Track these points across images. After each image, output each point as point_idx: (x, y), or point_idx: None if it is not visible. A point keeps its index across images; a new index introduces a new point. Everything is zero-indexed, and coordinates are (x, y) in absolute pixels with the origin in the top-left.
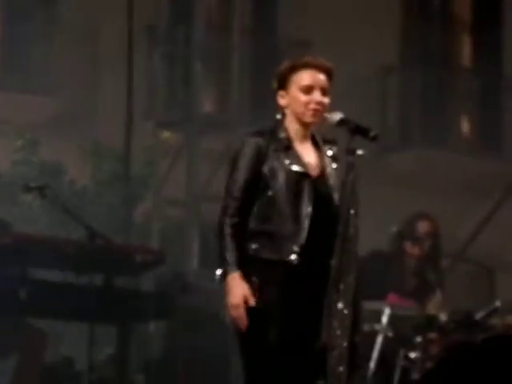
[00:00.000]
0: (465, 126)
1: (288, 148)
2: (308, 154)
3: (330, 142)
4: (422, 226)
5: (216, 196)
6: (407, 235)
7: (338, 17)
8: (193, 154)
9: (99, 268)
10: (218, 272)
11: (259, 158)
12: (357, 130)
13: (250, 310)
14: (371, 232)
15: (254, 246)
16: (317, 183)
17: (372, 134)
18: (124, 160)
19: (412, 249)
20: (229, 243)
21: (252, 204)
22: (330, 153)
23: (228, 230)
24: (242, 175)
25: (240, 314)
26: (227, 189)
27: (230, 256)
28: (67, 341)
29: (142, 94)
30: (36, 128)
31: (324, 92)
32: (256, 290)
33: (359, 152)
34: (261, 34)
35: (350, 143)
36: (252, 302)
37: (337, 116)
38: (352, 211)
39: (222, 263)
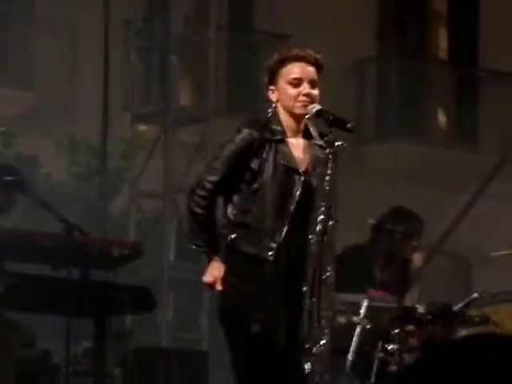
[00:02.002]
0: (441, 119)
1: (280, 141)
2: (299, 148)
3: (327, 135)
4: (401, 221)
5: None
6: (385, 229)
7: (314, 10)
8: (169, 146)
9: (76, 261)
10: (193, 247)
11: (249, 148)
12: (334, 122)
13: (231, 306)
14: (347, 224)
15: (232, 236)
16: (305, 179)
17: (349, 125)
18: (100, 153)
19: (391, 243)
20: (203, 225)
21: (227, 189)
22: (324, 144)
23: (200, 211)
24: (220, 162)
25: (215, 287)
26: (207, 164)
27: (205, 238)
28: (44, 334)
29: (118, 87)
30: (11, 121)
31: (313, 84)
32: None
33: (338, 143)
34: (237, 28)
35: (327, 134)
36: (219, 286)
37: (314, 108)
38: (330, 203)
39: (196, 242)
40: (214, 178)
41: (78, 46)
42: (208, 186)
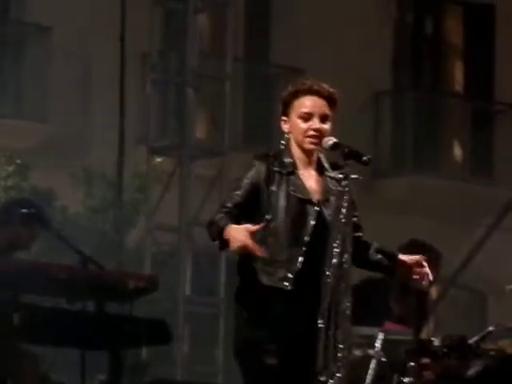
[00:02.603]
0: (456, 152)
1: (291, 173)
2: (311, 179)
3: (340, 167)
4: (417, 253)
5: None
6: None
7: (330, 43)
8: (185, 179)
9: (91, 294)
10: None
11: (260, 180)
12: (349, 154)
13: (247, 340)
14: None
15: (250, 271)
16: (319, 209)
17: (365, 158)
18: (116, 186)
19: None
20: (219, 220)
21: (244, 216)
22: (340, 176)
23: (217, 217)
24: (238, 193)
25: (247, 245)
26: (221, 202)
27: (220, 220)
28: (59, 367)
29: (134, 120)
30: (27, 154)
31: (324, 119)
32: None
33: (353, 176)
34: (253, 62)
35: (342, 167)
36: (253, 228)
37: (329, 140)
38: (346, 237)
39: (216, 232)
40: (233, 201)
41: (94, 79)
42: (228, 207)
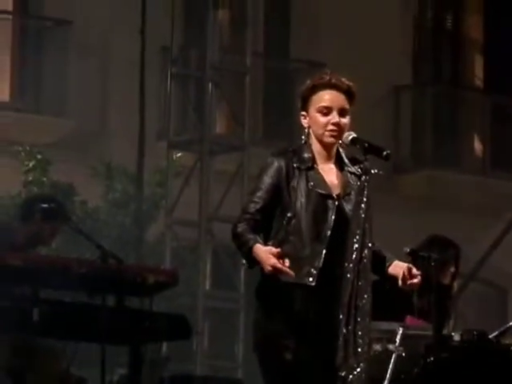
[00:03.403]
0: (477, 146)
1: (311, 168)
2: (331, 173)
3: (360, 162)
4: (438, 248)
5: (228, 216)
6: (421, 257)
7: (350, 38)
8: (205, 175)
9: (111, 288)
10: (243, 262)
11: (280, 178)
12: (369, 149)
13: (266, 334)
14: None
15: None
16: (339, 204)
17: (385, 152)
18: (136, 180)
19: (427, 270)
20: (244, 234)
21: (267, 225)
22: (358, 170)
23: (241, 229)
24: (260, 195)
25: (279, 269)
26: (243, 206)
27: (247, 239)
28: (79, 362)
29: (154, 114)
30: (47, 148)
31: (343, 112)
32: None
33: (374, 171)
34: (273, 56)
35: (363, 162)
36: (275, 251)
37: (349, 135)
38: (366, 231)
39: (245, 251)
40: (256, 206)
41: (114, 73)
42: (250, 213)
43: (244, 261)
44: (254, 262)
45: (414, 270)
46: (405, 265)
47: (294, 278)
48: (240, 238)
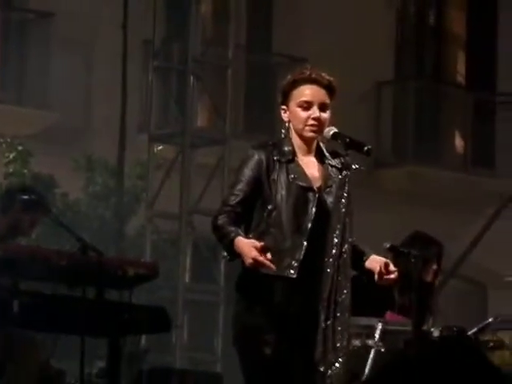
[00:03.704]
0: (458, 142)
1: (291, 161)
2: (311, 166)
3: (341, 156)
4: (420, 245)
5: (209, 209)
6: (403, 253)
7: (333, 33)
8: (186, 167)
9: (91, 281)
10: (224, 254)
11: (260, 171)
12: (350, 144)
13: (246, 328)
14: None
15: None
16: (319, 196)
17: (366, 148)
18: (117, 173)
19: (409, 267)
20: (225, 226)
21: (247, 218)
22: (339, 165)
23: (221, 221)
24: (240, 187)
25: (260, 262)
26: (223, 199)
27: (228, 231)
28: (59, 354)
29: (136, 107)
30: (28, 140)
31: (323, 107)
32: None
33: (355, 166)
34: (255, 50)
35: (343, 157)
36: (259, 244)
37: (330, 130)
38: (346, 226)
39: (226, 243)
40: (236, 199)
41: (96, 66)
42: (231, 205)
43: (225, 253)
44: (234, 254)
45: (391, 266)
46: (382, 259)
47: (275, 270)
48: (221, 230)
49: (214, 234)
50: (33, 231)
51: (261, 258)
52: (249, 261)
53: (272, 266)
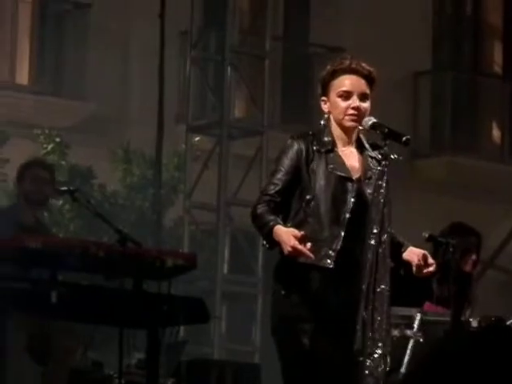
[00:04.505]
0: (495, 133)
1: (330, 151)
2: (351, 157)
3: (380, 147)
4: (459, 235)
5: (246, 200)
6: (442, 243)
7: (370, 23)
8: (223, 159)
9: (130, 272)
10: (263, 243)
11: (299, 160)
12: (389, 135)
13: (284, 317)
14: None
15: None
16: (358, 187)
17: (404, 138)
18: (155, 164)
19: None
20: (264, 215)
21: (287, 207)
22: (380, 156)
23: (260, 210)
24: (279, 177)
25: (299, 251)
26: (262, 188)
27: (268, 220)
28: (97, 345)
29: (173, 98)
30: (66, 132)
31: (364, 97)
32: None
33: (393, 156)
34: (293, 40)
35: (382, 147)
36: (298, 233)
37: (369, 120)
38: (385, 216)
39: (265, 232)
40: (276, 188)
41: (133, 57)
42: (270, 195)
43: (264, 242)
44: (274, 243)
45: (430, 258)
46: (420, 251)
47: (313, 260)
48: (260, 220)
49: (254, 223)
50: (45, 202)
51: (300, 247)
52: (288, 249)
53: (311, 255)
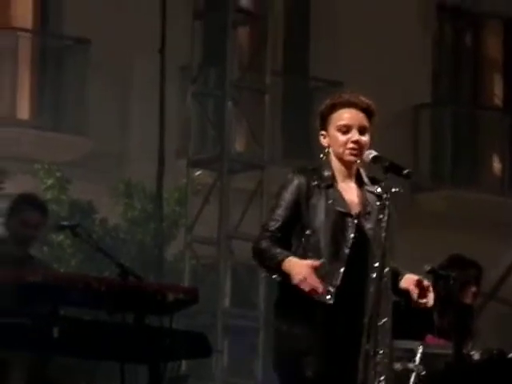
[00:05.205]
0: (495, 166)
1: (330, 186)
2: (350, 192)
3: (379, 182)
4: (459, 267)
5: (248, 234)
6: (442, 276)
7: (370, 56)
8: (224, 193)
9: (131, 306)
10: (274, 276)
11: (300, 195)
12: (390, 168)
13: (286, 351)
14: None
15: (288, 284)
16: (358, 222)
17: (405, 171)
18: (156, 199)
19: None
20: (270, 249)
21: (288, 243)
22: (379, 190)
23: (265, 244)
24: (280, 212)
25: (312, 282)
26: (263, 223)
27: (276, 252)
28: (98, 380)
29: (173, 133)
30: (67, 167)
31: (363, 131)
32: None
33: (395, 189)
34: (292, 75)
35: (383, 181)
36: (316, 263)
37: (370, 154)
38: (386, 250)
39: (273, 264)
40: (276, 224)
41: (134, 93)
42: (271, 231)
43: (272, 275)
44: (282, 275)
45: (425, 281)
46: (415, 277)
47: (315, 296)
48: (266, 253)
49: (257, 257)
50: (33, 242)
51: (314, 279)
52: (299, 279)
53: (320, 290)
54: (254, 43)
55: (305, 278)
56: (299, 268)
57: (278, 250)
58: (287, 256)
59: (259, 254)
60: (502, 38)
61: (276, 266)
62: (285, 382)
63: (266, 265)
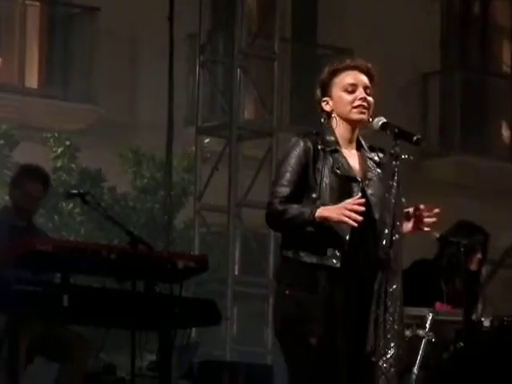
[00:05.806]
0: (504, 132)
1: (335, 151)
2: (352, 158)
3: (378, 150)
4: (466, 234)
5: (257, 202)
6: (450, 242)
7: (378, 24)
8: (233, 160)
9: (141, 274)
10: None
11: (306, 158)
12: (400, 134)
13: (292, 318)
14: (412, 237)
15: (294, 249)
16: (362, 187)
17: (415, 137)
18: (165, 167)
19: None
20: (291, 208)
21: (297, 202)
22: (376, 158)
23: (282, 207)
24: (288, 174)
25: (347, 213)
26: (273, 190)
27: (301, 208)
28: (109, 348)
29: (182, 101)
30: (76, 135)
31: (367, 91)
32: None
33: (403, 156)
34: (301, 42)
35: (393, 147)
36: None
37: (379, 121)
38: (396, 216)
39: (302, 219)
40: (287, 190)
41: (143, 61)
42: (283, 197)
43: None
44: (314, 225)
45: (421, 206)
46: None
47: (318, 260)
48: (289, 211)
49: (276, 220)
50: (34, 213)
51: (349, 214)
52: (337, 215)
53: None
54: (263, 10)
55: (342, 214)
56: (339, 209)
57: (301, 206)
58: (316, 207)
59: (278, 216)
60: (511, 4)
61: (308, 219)
62: (288, 350)
63: (291, 223)
